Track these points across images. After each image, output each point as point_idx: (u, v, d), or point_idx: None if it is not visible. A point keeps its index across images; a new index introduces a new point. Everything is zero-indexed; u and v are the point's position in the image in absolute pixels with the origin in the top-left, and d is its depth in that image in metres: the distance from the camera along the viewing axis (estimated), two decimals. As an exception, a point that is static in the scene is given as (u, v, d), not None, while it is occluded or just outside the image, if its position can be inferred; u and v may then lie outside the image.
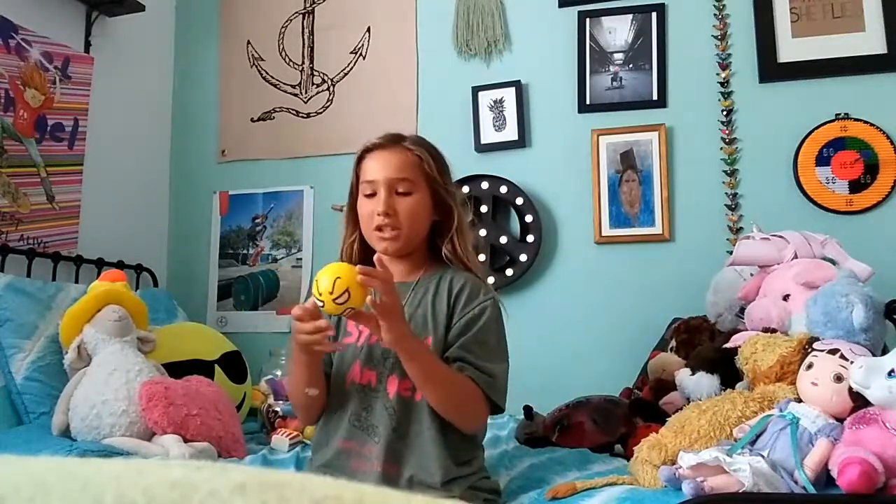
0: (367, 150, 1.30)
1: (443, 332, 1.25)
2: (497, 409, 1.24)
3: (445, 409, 1.19)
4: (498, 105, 2.49)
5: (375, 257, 1.18)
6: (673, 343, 1.82)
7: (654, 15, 2.39)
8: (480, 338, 1.23)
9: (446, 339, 1.25)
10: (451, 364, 1.21)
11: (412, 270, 1.32)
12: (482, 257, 2.33)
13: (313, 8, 2.79)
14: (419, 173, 1.27)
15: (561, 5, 2.48)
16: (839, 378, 1.11)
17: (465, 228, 1.32)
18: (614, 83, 2.41)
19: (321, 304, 1.09)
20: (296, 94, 2.77)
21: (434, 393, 1.18)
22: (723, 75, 2.31)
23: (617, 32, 2.43)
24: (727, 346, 1.49)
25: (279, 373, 2.22)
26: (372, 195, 1.26)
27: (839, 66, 2.19)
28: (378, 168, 1.27)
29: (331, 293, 1.07)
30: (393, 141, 1.30)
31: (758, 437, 1.13)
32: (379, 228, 1.25)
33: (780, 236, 1.65)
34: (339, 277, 1.07)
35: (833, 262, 1.57)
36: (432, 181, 1.28)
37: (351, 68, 2.72)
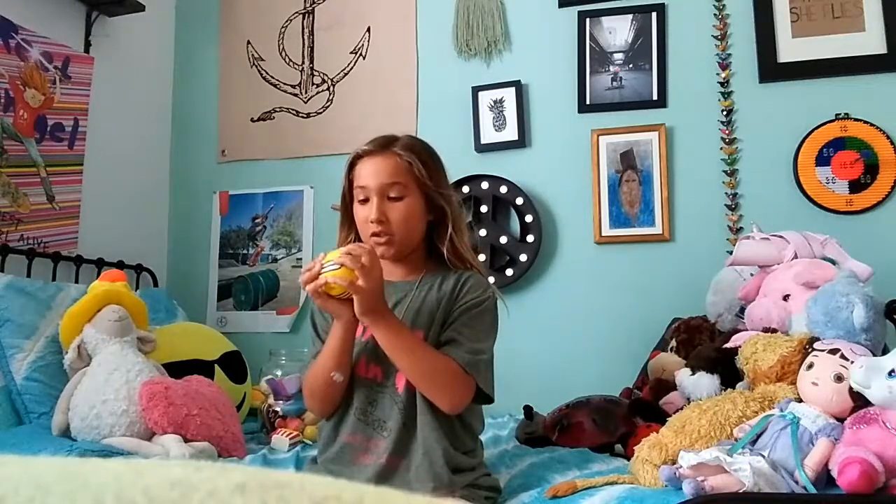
0: (357, 157, 1.31)
1: (441, 323, 1.27)
2: (484, 396, 1.25)
3: (421, 382, 1.20)
4: (498, 105, 2.49)
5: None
6: (673, 343, 1.81)
7: (654, 15, 2.39)
8: (471, 323, 1.26)
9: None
10: (442, 346, 1.23)
11: (413, 271, 1.34)
12: (482, 257, 2.34)
13: (313, 8, 2.79)
14: (410, 178, 1.28)
15: (561, 5, 2.48)
16: (839, 378, 1.11)
17: (462, 228, 1.34)
18: (614, 83, 2.41)
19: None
20: (296, 94, 2.77)
21: (407, 364, 1.19)
22: (723, 75, 2.31)
23: (617, 32, 2.43)
24: (727, 346, 1.49)
25: (279, 373, 2.22)
26: (365, 201, 1.28)
27: (839, 66, 2.19)
28: (369, 175, 1.28)
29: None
30: (383, 146, 1.30)
31: (758, 436, 1.13)
32: (373, 235, 1.27)
33: (780, 236, 1.65)
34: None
35: (833, 262, 1.57)
36: (423, 185, 1.29)
37: (351, 68, 2.72)
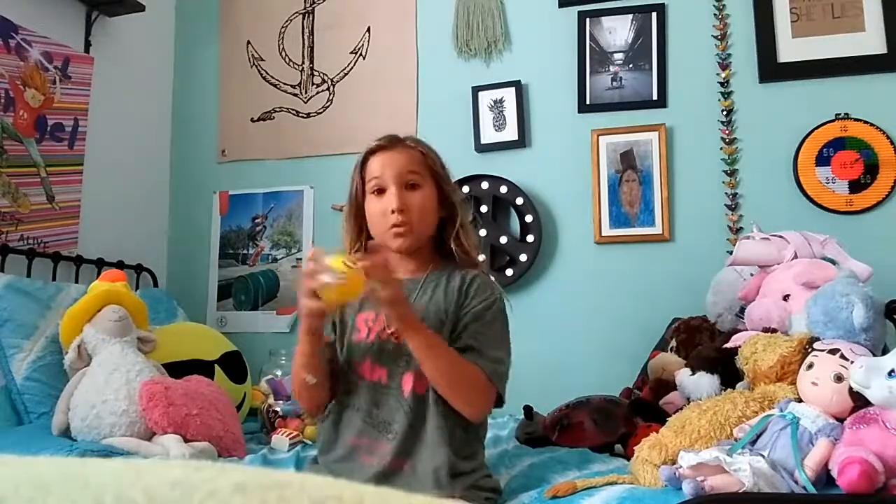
0: (370, 152, 1.32)
1: (451, 325, 1.27)
2: (499, 399, 1.26)
3: (450, 391, 1.19)
4: (498, 105, 2.49)
5: (371, 243, 1.23)
6: (673, 343, 1.81)
7: (654, 15, 2.39)
8: (487, 329, 1.25)
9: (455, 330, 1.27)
10: (460, 353, 1.22)
11: (420, 267, 1.34)
12: (482, 257, 2.34)
13: (313, 8, 2.79)
14: (425, 168, 1.30)
15: (561, 5, 2.48)
16: (839, 378, 1.11)
17: (468, 225, 1.35)
18: (614, 83, 2.41)
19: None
20: (296, 94, 2.77)
21: (438, 372, 1.18)
22: (723, 75, 2.31)
23: (617, 32, 2.43)
24: (727, 346, 1.49)
25: (279, 373, 2.22)
26: (380, 192, 1.28)
27: (839, 66, 2.19)
28: (385, 166, 1.28)
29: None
30: (394, 141, 1.32)
31: (758, 436, 1.13)
32: (393, 226, 1.26)
33: (780, 236, 1.65)
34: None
35: (833, 262, 1.57)
36: (437, 176, 1.31)
37: (351, 68, 2.72)
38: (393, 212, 1.25)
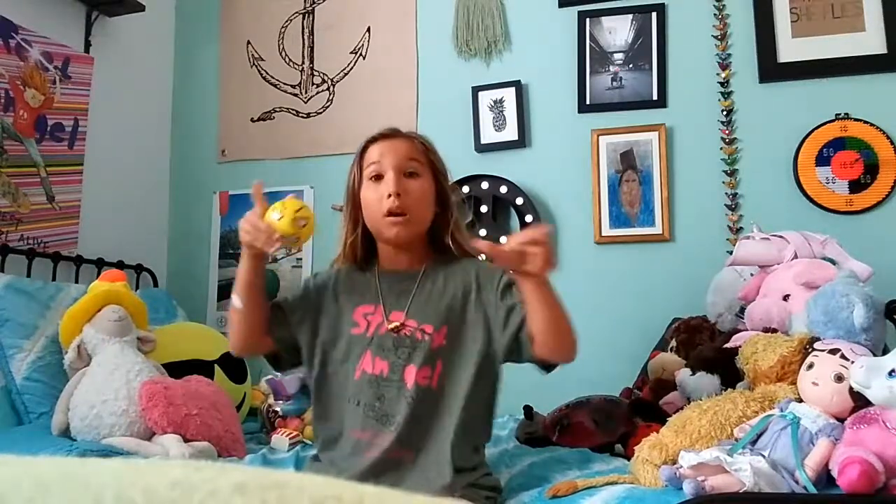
0: (371, 141, 1.32)
1: (474, 313, 1.27)
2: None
3: (566, 333, 1.18)
4: (498, 105, 2.49)
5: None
6: (673, 343, 1.81)
7: (654, 15, 2.39)
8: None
9: (484, 320, 1.26)
10: (513, 313, 1.22)
11: (414, 262, 1.33)
12: (482, 257, 2.33)
13: (313, 8, 2.80)
14: (425, 159, 1.30)
15: (561, 5, 2.48)
16: (840, 378, 1.11)
17: (461, 220, 1.35)
18: (614, 83, 2.41)
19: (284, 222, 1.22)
20: (296, 94, 2.77)
21: (559, 312, 1.18)
22: (723, 75, 2.31)
23: (617, 32, 2.43)
24: (727, 346, 1.49)
25: (279, 373, 2.22)
26: (378, 178, 1.27)
27: (839, 66, 2.19)
28: (385, 152, 1.28)
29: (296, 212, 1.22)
30: (395, 131, 1.33)
31: (758, 436, 1.13)
32: (390, 212, 1.24)
33: (780, 236, 1.65)
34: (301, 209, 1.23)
35: (833, 262, 1.57)
36: (436, 170, 1.31)
37: (351, 68, 2.72)
38: (389, 196, 1.23)
